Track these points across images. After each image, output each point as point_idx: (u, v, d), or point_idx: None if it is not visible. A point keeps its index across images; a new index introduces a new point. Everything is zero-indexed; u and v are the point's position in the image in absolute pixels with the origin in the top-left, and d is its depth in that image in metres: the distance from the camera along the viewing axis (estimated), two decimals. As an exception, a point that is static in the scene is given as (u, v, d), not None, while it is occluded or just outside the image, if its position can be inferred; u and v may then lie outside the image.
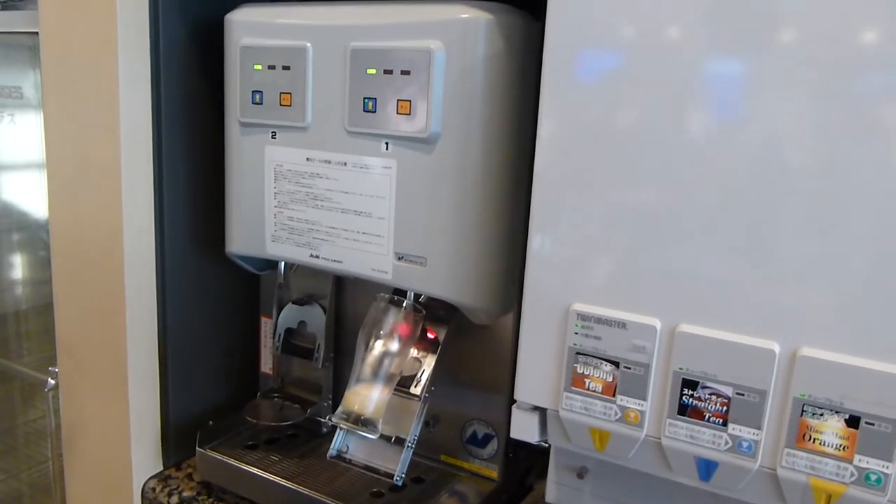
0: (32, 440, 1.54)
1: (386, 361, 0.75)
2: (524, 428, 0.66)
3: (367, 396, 0.74)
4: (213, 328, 0.98)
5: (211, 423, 0.94)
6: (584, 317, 0.60)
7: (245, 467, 0.85)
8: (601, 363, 0.60)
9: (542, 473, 0.97)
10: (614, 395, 0.60)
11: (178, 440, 0.95)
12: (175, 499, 0.90)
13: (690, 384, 0.57)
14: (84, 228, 0.89)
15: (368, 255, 0.76)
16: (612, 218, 0.59)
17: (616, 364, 0.60)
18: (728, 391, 0.56)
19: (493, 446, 0.86)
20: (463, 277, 0.73)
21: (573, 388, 0.62)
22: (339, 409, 0.74)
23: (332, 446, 0.82)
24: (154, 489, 0.92)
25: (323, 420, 0.93)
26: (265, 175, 0.82)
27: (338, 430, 0.83)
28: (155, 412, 0.94)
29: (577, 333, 0.61)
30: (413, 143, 0.72)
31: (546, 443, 0.69)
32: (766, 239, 0.54)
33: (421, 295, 0.78)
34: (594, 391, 0.61)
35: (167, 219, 0.89)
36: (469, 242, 0.72)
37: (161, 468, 0.95)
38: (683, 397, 0.58)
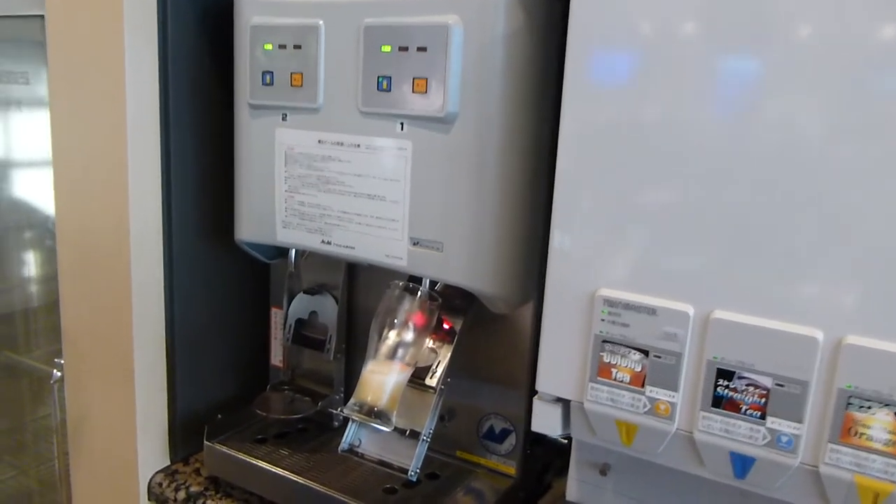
0: (42, 436, 1.52)
1: (400, 351, 0.72)
2: (546, 421, 0.62)
3: (381, 387, 0.71)
4: (222, 319, 0.95)
5: (219, 416, 0.91)
6: (611, 303, 0.57)
7: (254, 462, 0.82)
8: (629, 352, 0.57)
9: (560, 471, 0.94)
10: (643, 386, 0.57)
11: (185, 434, 0.92)
12: (182, 494, 0.87)
13: (726, 374, 0.54)
14: (90, 218, 0.86)
15: (382, 241, 0.73)
16: (642, 198, 0.55)
17: (645, 353, 0.56)
18: (767, 382, 0.52)
19: (510, 442, 0.83)
20: (481, 264, 0.70)
21: (599, 378, 0.58)
22: (352, 400, 0.71)
23: (343, 439, 0.78)
24: (161, 484, 0.89)
25: (335, 413, 0.89)
26: (275, 159, 0.79)
27: (350, 423, 0.80)
28: (162, 406, 0.91)
29: (603, 320, 0.57)
30: (429, 123, 0.69)
31: (566, 439, 0.66)
32: (807, 218, 0.50)
33: (437, 283, 0.75)
34: (621, 382, 0.57)
35: (175, 207, 0.86)
36: (487, 227, 0.69)
37: (168, 463, 0.93)
38: (718, 388, 0.54)
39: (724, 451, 0.55)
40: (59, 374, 0.96)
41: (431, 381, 0.75)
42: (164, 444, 0.92)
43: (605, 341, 0.57)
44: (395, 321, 0.73)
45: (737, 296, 0.53)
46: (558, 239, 0.59)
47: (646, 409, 0.57)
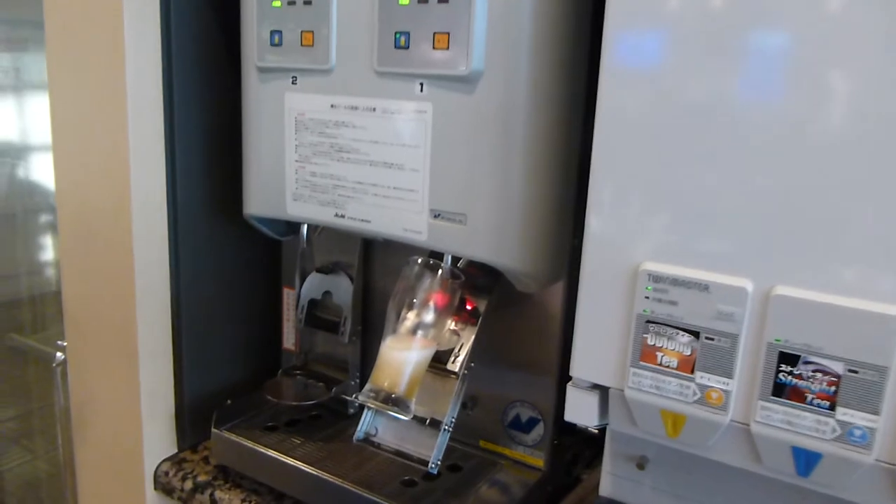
0: (52, 422, 1.50)
1: (420, 333, 0.66)
2: (581, 410, 0.56)
3: (399, 371, 0.65)
4: (231, 300, 0.90)
5: (229, 402, 0.87)
6: (656, 277, 0.50)
7: (264, 451, 0.77)
8: (677, 333, 0.50)
9: (590, 462, 0.88)
10: (693, 372, 0.50)
11: (193, 421, 0.88)
12: (189, 483, 0.82)
13: (789, 359, 0.47)
14: (90, 192, 0.81)
15: (400, 214, 0.67)
16: (693, 165, 0.49)
17: (695, 334, 0.50)
18: (838, 367, 0.46)
19: (538, 432, 0.77)
20: (508, 237, 0.64)
21: (642, 363, 0.52)
22: (367, 386, 0.66)
23: (358, 428, 0.73)
24: (167, 473, 0.85)
25: (349, 399, 0.84)
26: (285, 126, 0.73)
27: (365, 410, 0.74)
28: (168, 390, 0.86)
29: (647, 298, 0.51)
30: (451, 82, 0.62)
31: (599, 429, 0.59)
32: (888, 176, 0.43)
33: (459, 259, 0.69)
34: (668, 367, 0.51)
35: (180, 182, 0.81)
36: (515, 197, 0.63)
37: (175, 450, 0.88)
38: (780, 375, 0.47)
39: (785, 445, 0.48)
40: (62, 356, 0.91)
41: (454, 366, 0.69)
42: (171, 430, 0.88)
43: (649, 322, 0.51)
44: (415, 301, 0.67)
45: (803, 269, 0.46)
46: (596, 207, 0.53)
47: (695, 398, 0.51)
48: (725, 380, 0.49)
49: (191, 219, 0.83)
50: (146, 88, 0.76)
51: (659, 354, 0.51)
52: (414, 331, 0.66)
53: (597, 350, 0.54)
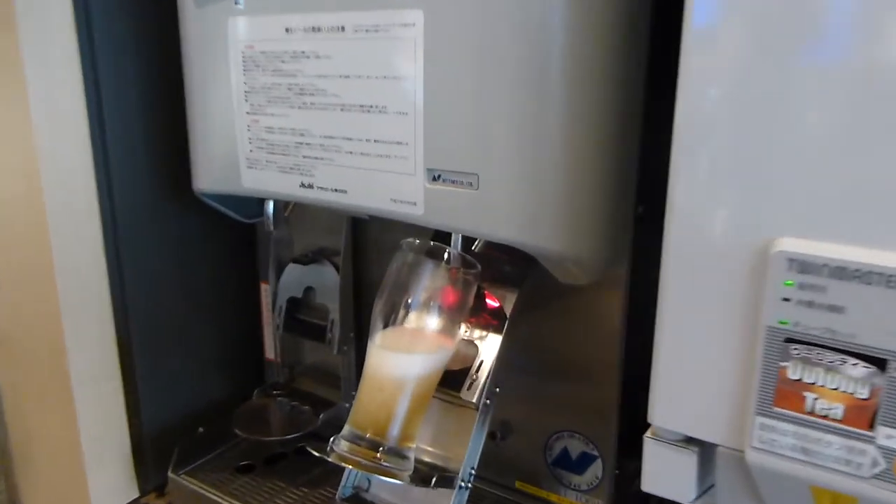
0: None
1: (428, 326, 0.46)
2: (667, 476, 0.35)
3: (389, 409, 0.44)
4: (196, 303, 0.72)
5: (200, 430, 0.69)
6: (804, 264, 0.29)
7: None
8: (843, 361, 0.29)
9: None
10: (872, 427, 0.29)
11: (157, 457, 0.70)
12: (147, 540, 0.64)
13: None
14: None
15: (386, 178, 0.47)
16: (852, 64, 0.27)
17: (879, 363, 0.28)
18: None
19: (594, 472, 0.56)
20: (541, 207, 0.43)
21: (777, 408, 0.31)
22: (345, 429, 0.45)
23: (343, 483, 0.53)
24: (123, 526, 0.67)
25: (315, 454, 0.58)
26: (230, 65, 0.53)
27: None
28: (120, 422, 0.68)
29: (787, 300, 0.29)
30: (449, -24, 0.41)
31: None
32: None
33: (474, 240, 0.48)
34: (825, 416, 0.30)
35: (115, 160, 0.63)
36: (551, 148, 0.42)
37: (136, 495, 0.70)
38: None
39: None
40: (-6, 384, 0.73)
41: (470, 394, 0.48)
42: (128, 470, 0.70)
43: (790, 340, 0.30)
44: (411, 301, 0.47)
45: None
46: (687, 152, 0.31)
47: (876, 469, 0.29)
48: (935, 441, 0.28)
49: (135, 206, 0.64)
50: (52, 46, 0.57)
51: (808, 396, 0.30)
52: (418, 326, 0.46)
53: (694, 385, 0.33)
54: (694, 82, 0.31)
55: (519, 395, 0.56)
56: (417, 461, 0.46)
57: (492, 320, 0.50)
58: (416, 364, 0.46)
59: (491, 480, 0.61)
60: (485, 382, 0.48)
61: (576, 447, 0.56)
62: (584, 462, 0.56)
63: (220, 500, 0.60)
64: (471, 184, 0.43)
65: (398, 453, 0.44)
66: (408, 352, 0.47)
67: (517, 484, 0.60)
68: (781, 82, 0.29)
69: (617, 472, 0.55)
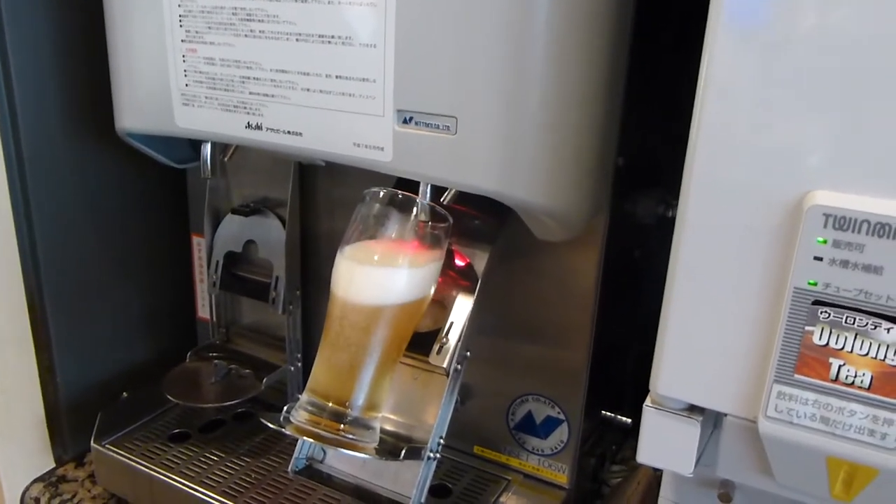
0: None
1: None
2: (667, 447, 0.33)
3: (352, 375, 0.40)
4: (121, 256, 0.65)
5: (125, 394, 0.63)
6: (841, 220, 0.26)
7: (163, 477, 0.53)
8: (878, 325, 0.27)
9: (617, 456, 0.66)
10: (901, 396, 0.27)
11: (76, 424, 0.63)
12: (66, 516, 0.59)
13: None
14: None
15: (349, 119, 0.42)
16: None
17: (916, 328, 0.26)
18: None
19: (559, 437, 0.54)
20: (521, 155, 0.39)
21: (799, 376, 0.28)
22: (303, 397, 0.41)
23: (296, 454, 0.48)
24: (37, 500, 0.61)
25: (270, 425, 0.53)
26: (161, -16, 0.46)
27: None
28: (32, 386, 0.61)
29: (819, 259, 0.27)
30: None
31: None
32: None
33: (445, 190, 0.43)
34: (851, 384, 0.28)
35: (19, 91, 0.54)
36: (534, 92, 0.38)
37: (52, 465, 0.64)
38: None
39: None
40: None
41: (440, 359, 0.44)
42: (42, 439, 0.63)
43: (818, 302, 0.27)
44: (375, 258, 0.42)
45: None
46: (716, 85, 0.28)
47: (900, 440, 0.27)
48: (968, 411, 0.26)
49: (46, 149, 0.57)
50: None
51: (834, 362, 0.27)
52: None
53: (705, 352, 0.30)
54: (726, 13, 0.27)
55: (482, 357, 0.53)
56: (384, 437, 0.43)
57: (461, 280, 0.46)
58: (399, 281, 0.40)
59: (448, 446, 0.58)
60: (455, 346, 0.44)
61: (541, 411, 0.54)
62: (548, 426, 0.54)
63: (150, 471, 0.54)
64: (448, 127, 0.39)
65: (363, 424, 0.40)
66: (392, 265, 0.41)
67: (476, 449, 0.57)
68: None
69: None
